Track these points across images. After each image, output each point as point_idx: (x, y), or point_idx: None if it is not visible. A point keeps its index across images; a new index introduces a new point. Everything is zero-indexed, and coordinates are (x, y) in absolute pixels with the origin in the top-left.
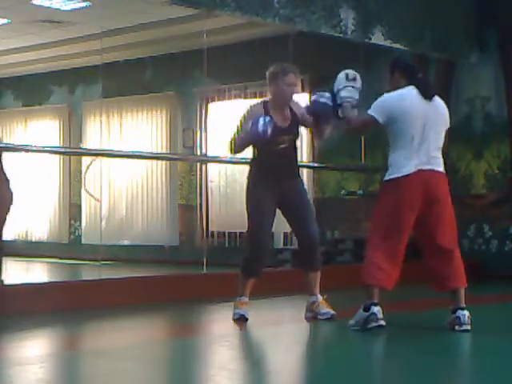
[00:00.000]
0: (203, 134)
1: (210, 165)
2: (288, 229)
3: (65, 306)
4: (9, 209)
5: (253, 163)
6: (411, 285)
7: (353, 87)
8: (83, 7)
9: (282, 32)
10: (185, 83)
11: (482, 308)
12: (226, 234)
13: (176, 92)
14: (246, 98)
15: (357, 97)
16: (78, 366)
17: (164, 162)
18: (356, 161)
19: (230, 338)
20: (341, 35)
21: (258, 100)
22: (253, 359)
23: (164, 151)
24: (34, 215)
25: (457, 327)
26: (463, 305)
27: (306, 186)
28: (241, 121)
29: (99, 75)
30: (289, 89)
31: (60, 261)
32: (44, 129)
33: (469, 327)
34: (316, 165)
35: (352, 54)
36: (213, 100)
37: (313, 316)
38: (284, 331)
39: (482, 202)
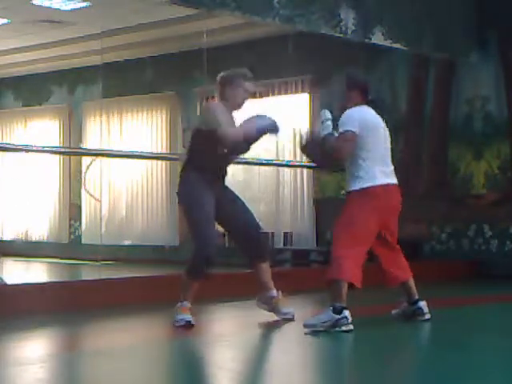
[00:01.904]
0: None
1: None
2: (288, 229)
3: (65, 306)
4: None
5: (192, 164)
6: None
7: (331, 121)
8: (83, 7)
9: (281, 32)
10: (185, 83)
11: (482, 308)
12: (226, 235)
13: (176, 92)
14: None
15: (331, 128)
16: (77, 366)
17: (164, 162)
18: None
19: (229, 338)
20: (341, 35)
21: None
22: (252, 359)
23: (164, 151)
24: (34, 215)
25: (419, 317)
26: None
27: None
28: (212, 117)
29: (99, 75)
30: (245, 95)
31: (60, 261)
32: (44, 129)
33: (429, 315)
34: (316, 165)
35: (352, 54)
36: (213, 100)
37: (272, 312)
38: (283, 331)
39: (481, 202)
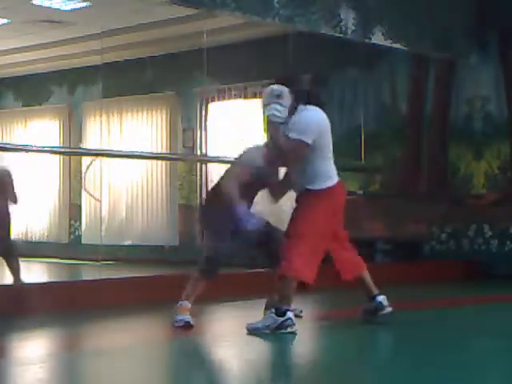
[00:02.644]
0: (203, 134)
1: (210, 165)
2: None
3: (65, 305)
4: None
5: None
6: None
7: (280, 104)
8: (83, 7)
9: (281, 32)
10: (185, 83)
11: (482, 308)
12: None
13: (176, 92)
14: (246, 97)
15: (282, 114)
16: (78, 365)
17: (164, 162)
18: (356, 161)
19: (229, 338)
20: (341, 35)
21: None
22: (252, 359)
23: (164, 151)
24: (34, 215)
25: (380, 312)
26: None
27: None
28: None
29: (99, 75)
30: None
31: (60, 261)
32: (44, 129)
33: (391, 309)
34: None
35: (352, 54)
36: (213, 100)
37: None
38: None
39: (481, 202)
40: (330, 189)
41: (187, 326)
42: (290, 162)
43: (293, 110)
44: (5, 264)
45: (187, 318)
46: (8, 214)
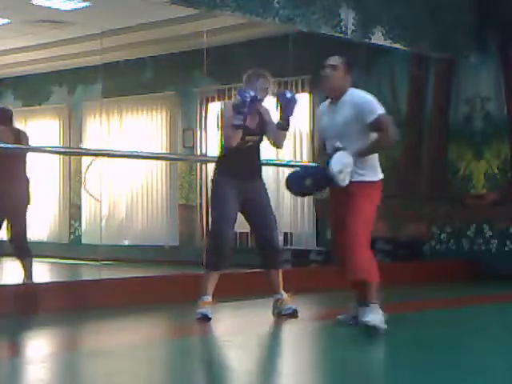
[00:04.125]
0: (203, 134)
1: (210, 164)
2: (288, 229)
3: (65, 305)
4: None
5: (219, 160)
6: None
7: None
8: (83, 7)
9: (281, 32)
10: (185, 83)
11: (482, 308)
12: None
13: (176, 92)
14: None
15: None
16: (78, 365)
17: (164, 162)
18: None
19: (230, 338)
20: (341, 35)
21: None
22: (253, 359)
23: (164, 151)
24: (34, 215)
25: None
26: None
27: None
28: (220, 120)
29: (99, 75)
30: (260, 92)
31: (60, 261)
32: (44, 129)
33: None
34: (316, 165)
35: (352, 54)
36: (213, 100)
37: (278, 313)
38: (283, 331)
39: (481, 202)
40: (382, 181)
41: (205, 318)
42: (392, 140)
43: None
44: (5, 264)
45: (204, 311)
46: (25, 193)
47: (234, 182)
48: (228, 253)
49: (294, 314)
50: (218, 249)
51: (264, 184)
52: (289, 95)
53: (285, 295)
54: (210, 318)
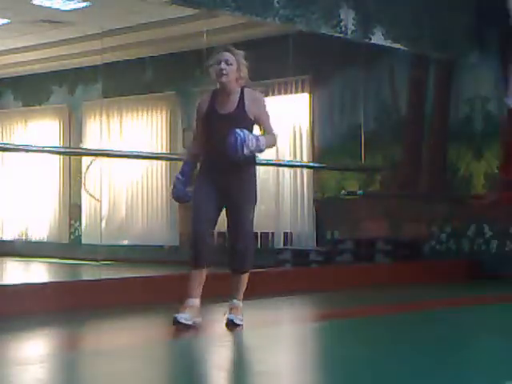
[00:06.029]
0: None
1: None
2: (288, 229)
3: (65, 305)
4: None
5: (203, 156)
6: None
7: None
8: (83, 7)
9: (281, 32)
10: (185, 83)
11: (482, 308)
12: (226, 235)
13: (176, 92)
14: None
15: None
16: (77, 366)
17: (164, 162)
18: (356, 161)
19: (229, 338)
20: (341, 35)
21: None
22: (252, 359)
23: (164, 151)
24: (34, 215)
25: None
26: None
27: (255, 177)
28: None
29: (99, 75)
30: (216, 66)
31: (60, 261)
32: (44, 129)
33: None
34: (316, 165)
35: (352, 54)
36: None
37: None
38: (283, 331)
39: (481, 202)
40: None
41: (179, 324)
42: None
43: None
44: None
45: (179, 316)
46: None
47: (213, 177)
48: (205, 250)
49: (231, 324)
50: (193, 246)
51: (250, 176)
52: (232, 140)
53: (237, 303)
54: (187, 325)
